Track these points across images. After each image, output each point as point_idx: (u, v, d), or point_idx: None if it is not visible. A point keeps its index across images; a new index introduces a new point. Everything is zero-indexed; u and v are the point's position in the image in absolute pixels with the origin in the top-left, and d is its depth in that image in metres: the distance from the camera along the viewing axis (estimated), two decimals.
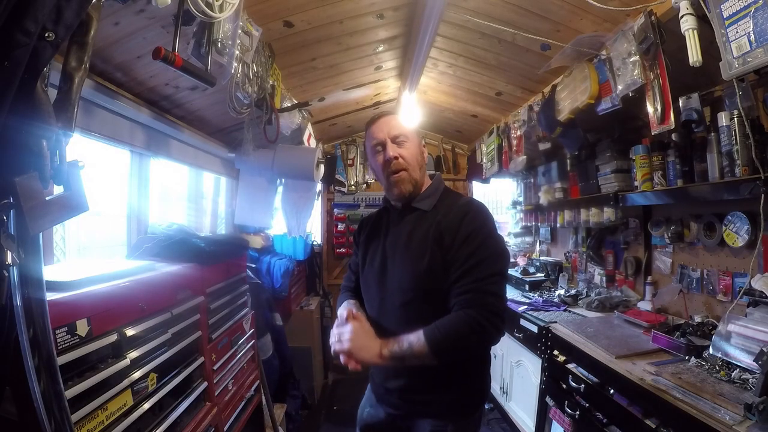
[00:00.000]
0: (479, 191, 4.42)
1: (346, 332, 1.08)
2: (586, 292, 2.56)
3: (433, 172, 1.32)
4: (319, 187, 3.36)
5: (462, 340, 1.01)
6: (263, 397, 2.00)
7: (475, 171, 3.85)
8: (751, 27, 1.10)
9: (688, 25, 1.27)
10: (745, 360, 1.33)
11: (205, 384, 1.36)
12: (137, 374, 1.01)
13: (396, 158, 1.17)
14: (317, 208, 3.83)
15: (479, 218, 1.11)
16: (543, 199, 2.98)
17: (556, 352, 2.02)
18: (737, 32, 1.14)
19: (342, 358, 1.07)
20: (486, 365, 1.24)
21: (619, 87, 1.66)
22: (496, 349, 2.81)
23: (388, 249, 1.22)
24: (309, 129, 2.84)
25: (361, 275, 1.30)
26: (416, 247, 1.14)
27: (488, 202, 4.60)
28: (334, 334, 1.11)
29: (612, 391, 1.59)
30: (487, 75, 2.56)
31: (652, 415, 1.38)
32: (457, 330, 1.01)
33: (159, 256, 1.43)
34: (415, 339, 1.02)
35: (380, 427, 1.28)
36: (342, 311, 1.16)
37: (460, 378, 1.16)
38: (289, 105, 2.29)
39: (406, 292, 1.13)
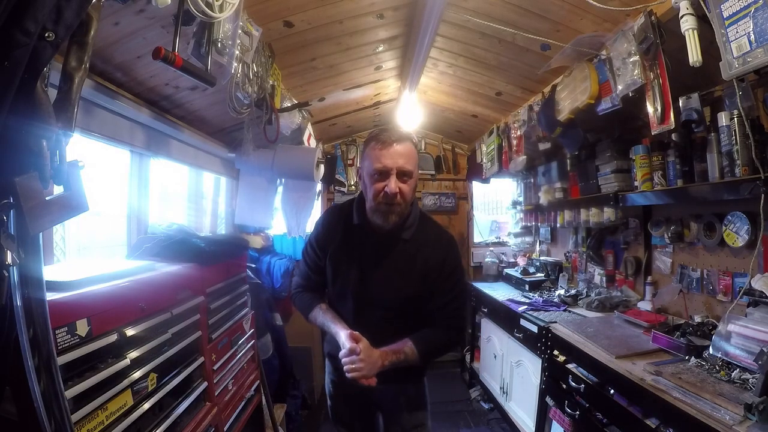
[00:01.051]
0: (479, 191, 4.42)
1: (357, 361, 1.19)
2: (586, 292, 2.56)
3: None
4: (319, 187, 3.36)
5: (441, 352, 1.37)
6: (263, 397, 2.00)
7: (475, 171, 3.85)
8: (751, 27, 1.10)
9: (688, 25, 1.27)
10: (745, 360, 1.33)
11: (205, 384, 1.36)
12: (137, 374, 1.01)
13: (395, 195, 1.20)
14: (317, 208, 3.82)
15: (456, 258, 1.37)
16: (543, 199, 2.98)
17: (556, 352, 2.02)
18: (737, 32, 1.14)
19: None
20: None
21: (619, 87, 1.66)
22: (497, 349, 2.81)
23: (365, 267, 1.33)
24: (309, 129, 2.83)
25: (332, 285, 1.41)
26: (402, 275, 1.31)
27: (488, 202, 4.60)
28: (345, 362, 1.21)
29: (612, 391, 1.59)
30: (487, 75, 2.56)
31: (652, 415, 1.38)
32: (442, 346, 1.36)
33: (159, 256, 1.42)
34: (410, 352, 1.26)
35: (351, 396, 1.46)
36: (344, 340, 1.24)
37: None
38: (289, 105, 2.28)
39: (388, 310, 1.34)
